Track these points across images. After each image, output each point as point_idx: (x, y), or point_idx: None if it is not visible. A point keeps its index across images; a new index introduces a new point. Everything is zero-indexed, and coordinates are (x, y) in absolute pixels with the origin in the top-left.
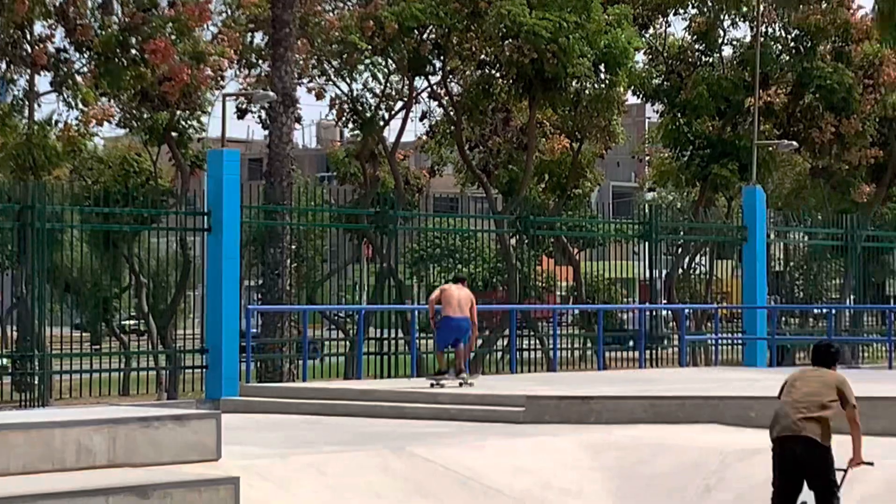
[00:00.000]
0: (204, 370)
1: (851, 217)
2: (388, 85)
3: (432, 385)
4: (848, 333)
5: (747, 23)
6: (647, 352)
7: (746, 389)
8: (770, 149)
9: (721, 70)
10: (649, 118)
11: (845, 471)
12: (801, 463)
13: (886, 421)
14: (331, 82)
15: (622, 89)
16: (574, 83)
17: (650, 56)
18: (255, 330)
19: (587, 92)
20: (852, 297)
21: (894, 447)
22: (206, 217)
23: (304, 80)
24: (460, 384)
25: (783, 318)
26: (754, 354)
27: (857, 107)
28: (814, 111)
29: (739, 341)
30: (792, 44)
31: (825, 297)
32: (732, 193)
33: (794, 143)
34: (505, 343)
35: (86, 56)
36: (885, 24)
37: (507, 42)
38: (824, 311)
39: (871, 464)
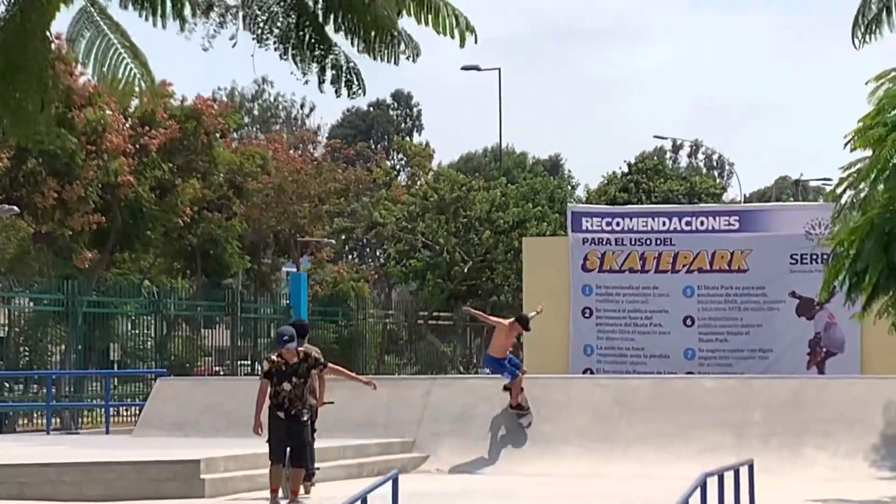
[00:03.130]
0: None
1: (74, 283)
2: None
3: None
4: (69, 399)
5: None
6: None
7: None
8: None
9: None
10: None
11: (315, 408)
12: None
13: (99, 486)
14: None
15: None
16: None
17: None
18: None
19: None
20: (75, 363)
21: None
22: None
23: None
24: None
25: (5, 385)
26: None
27: (80, 172)
28: (37, 176)
29: None
30: None
31: (50, 362)
32: None
33: (16, 207)
34: None
35: None
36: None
37: None
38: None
39: (332, 402)
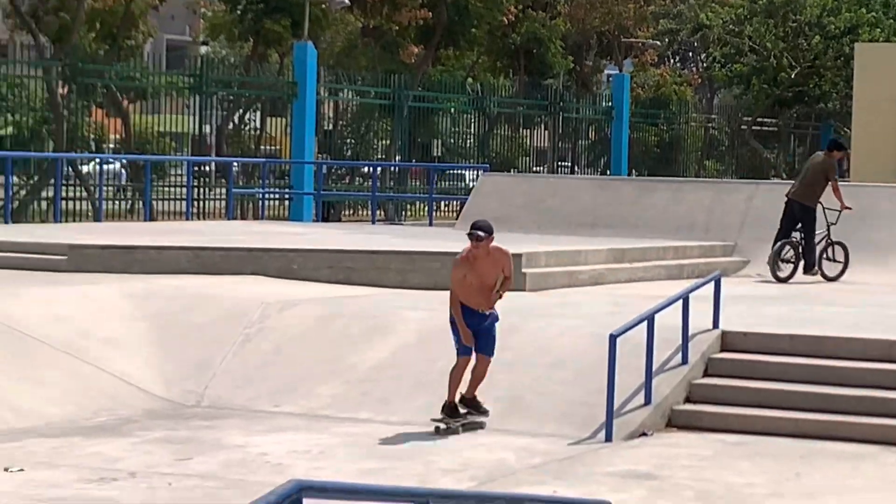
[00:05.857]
0: None
1: (400, 77)
2: None
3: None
4: (393, 191)
5: None
6: (195, 204)
7: (290, 243)
8: (323, 6)
9: None
10: None
11: (840, 212)
12: (795, 214)
13: (422, 275)
14: None
15: None
16: None
17: None
18: None
19: None
20: (398, 157)
21: (428, 298)
22: None
23: None
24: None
25: (331, 176)
26: (301, 210)
27: None
28: None
29: (287, 196)
30: None
31: (373, 155)
32: (285, 50)
33: (346, 1)
34: (50, 193)
35: None
36: None
37: None
38: (371, 169)
39: (850, 209)
